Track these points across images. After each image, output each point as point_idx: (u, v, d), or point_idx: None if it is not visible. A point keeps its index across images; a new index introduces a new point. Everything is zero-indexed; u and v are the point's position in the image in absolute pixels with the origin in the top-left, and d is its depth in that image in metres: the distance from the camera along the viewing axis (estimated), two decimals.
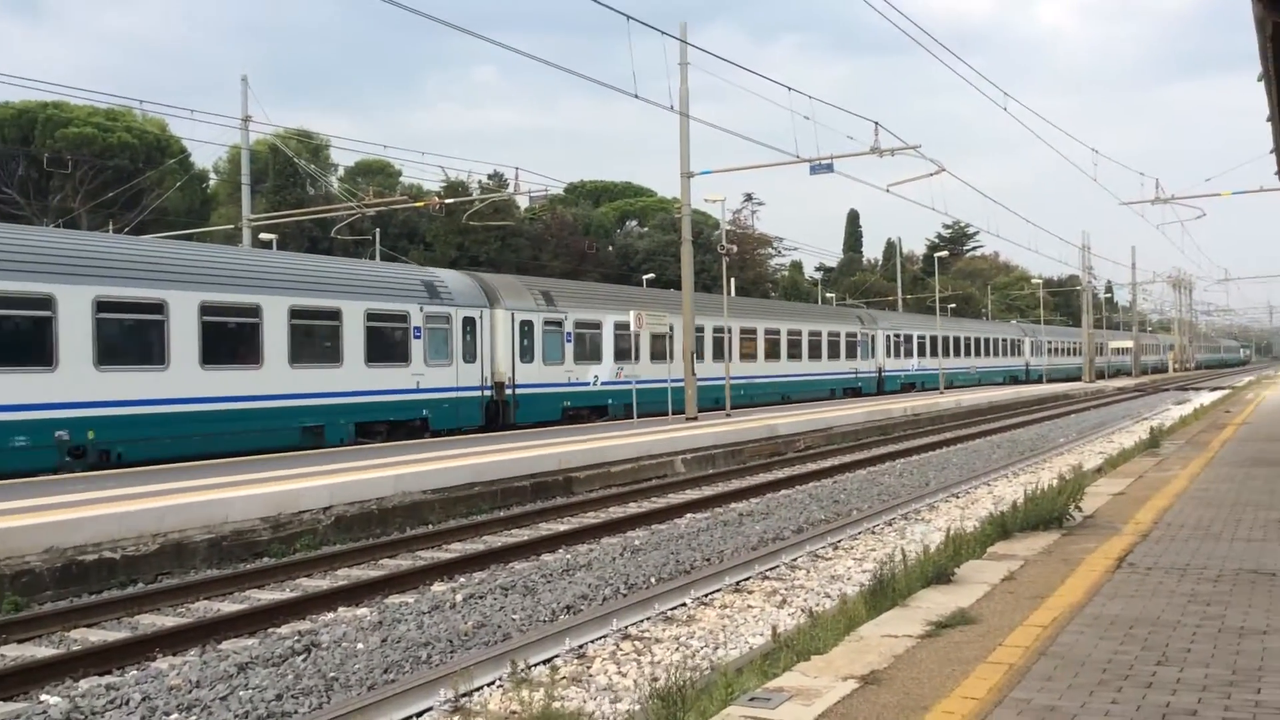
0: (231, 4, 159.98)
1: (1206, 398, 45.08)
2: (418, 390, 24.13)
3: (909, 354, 52.93)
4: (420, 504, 14.86)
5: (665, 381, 30.47)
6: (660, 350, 31.92)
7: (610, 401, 29.93)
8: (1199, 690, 4.79)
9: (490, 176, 59.16)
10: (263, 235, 38.56)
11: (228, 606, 10.23)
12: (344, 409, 22.29)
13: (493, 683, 7.42)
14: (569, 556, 12.18)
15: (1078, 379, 71.27)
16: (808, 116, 29.02)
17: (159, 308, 18.87)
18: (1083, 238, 71.53)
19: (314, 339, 21.88)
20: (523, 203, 62.14)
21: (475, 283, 27.42)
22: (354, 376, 22.48)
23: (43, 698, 7.45)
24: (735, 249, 45.72)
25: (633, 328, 28.92)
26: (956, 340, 60.61)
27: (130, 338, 18.63)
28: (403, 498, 14.74)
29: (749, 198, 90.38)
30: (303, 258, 27.27)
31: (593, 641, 8.50)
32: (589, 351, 30.01)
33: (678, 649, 8.35)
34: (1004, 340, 70.15)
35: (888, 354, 50.73)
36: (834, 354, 45.38)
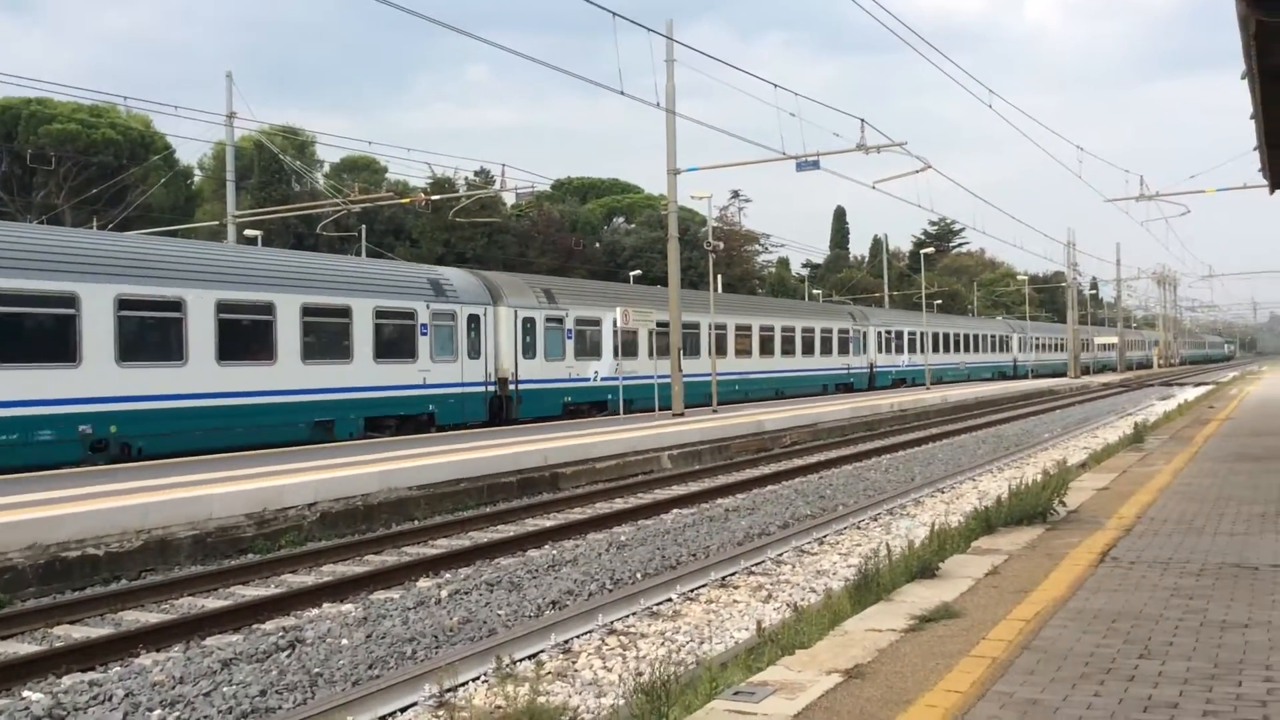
0: (222, 1, 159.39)
1: (1190, 393, 45.29)
2: (424, 386, 24.56)
3: (900, 350, 53.41)
4: (406, 500, 14.83)
5: (666, 377, 30.57)
6: (659, 346, 32.25)
7: (610, 397, 30.27)
8: (1180, 683, 4.81)
9: (477, 173, 59.05)
10: (247, 232, 38.39)
11: (212, 603, 10.19)
12: (353, 404, 22.73)
13: (478, 678, 7.41)
14: (555, 552, 12.17)
15: (1064, 375, 71.58)
16: (794, 114, 29.27)
17: (177, 305, 19.33)
18: (1068, 234, 71.82)
19: (325, 336, 22.33)
20: (509, 199, 62.13)
21: (479, 281, 27.84)
22: (363, 372, 22.94)
23: (25, 694, 7.42)
24: (722, 246, 45.76)
25: (619, 324, 29.01)
26: (947, 336, 61.15)
27: (150, 335, 19.07)
28: (388, 494, 14.71)
29: (736, 194, 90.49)
30: (314, 257, 27.69)
31: (578, 637, 8.50)
32: (589, 348, 30.39)
33: (663, 644, 8.36)
34: (993, 337, 70.61)
35: (879, 350, 51.26)
36: (827, 350, 45.95)
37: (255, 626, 9.21)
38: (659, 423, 25.43)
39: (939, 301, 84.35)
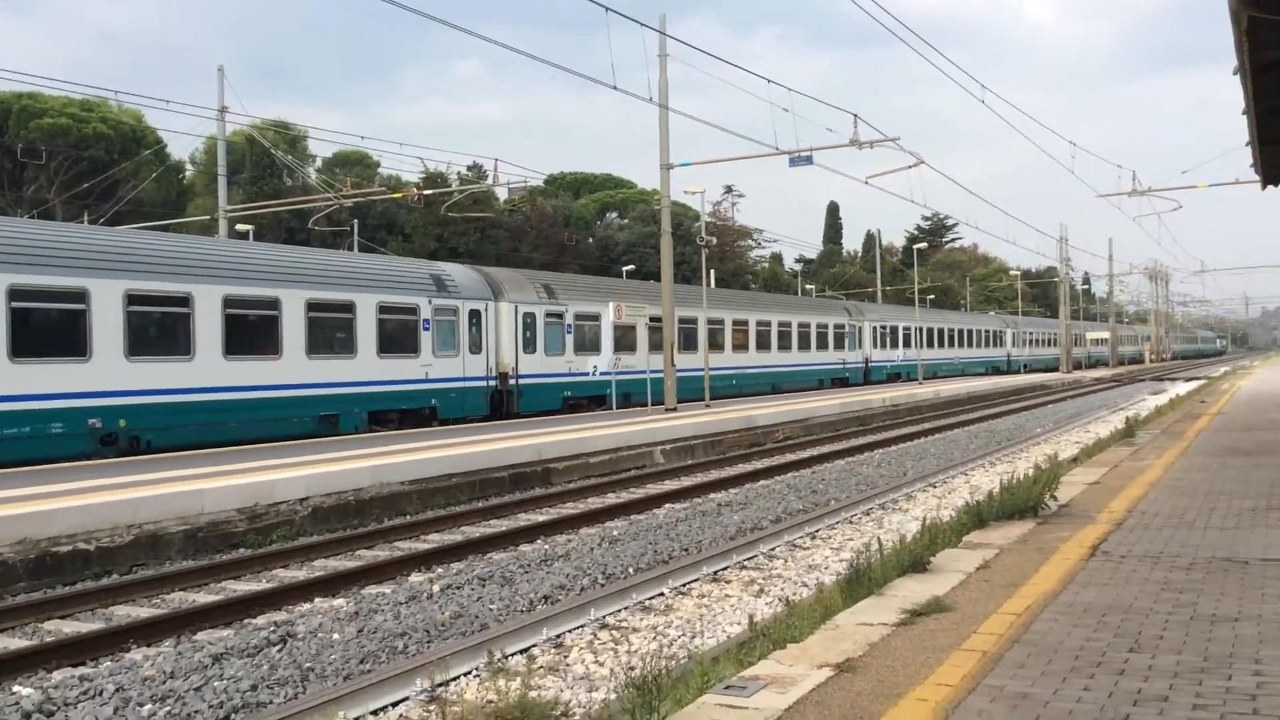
0: None
1: (1182, 388, 45.38)
2: (427, 380, 24.89)
3: (894, 345, 53.70)
4: (398, 495, 14.81)
5: (658, 372, 30.70)
6: (657, 341, 32.06)
7: (608, 391, 30.43)
8: (1170, 677, 4.82)
9: (469, 168, 59.04)
10: (239, 227, 38.30)
11: (203, 597, 10.18)
12: (358, 398, 23.05)
13: (469, 672, 7.41)
14: (547, 547, 12.18)
15: (1056, 369, 71.75)
16: (787, 109, 29.35)
17: (185, 300, 19.61)
18: (1060, 229, 71.93)
19: (329, 331, 22.64)
20: (502, 194, 61.99)
21: (480, 276, 28.14)
22: (367, 367, 23.28)
23: (15, 689, 7.40)
24: (715, 241, 45.70)
25: (611, 319, 29.04)
26: (941, 331, 61.43)
27: (158, 329, 19.36)
28: (380, 489, 14.70)
29: (729, 190, 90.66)
30: (318, 252, 28.05)
31: (570, 631, 8.50)
32: (588, 343, 30.63)
33: (655, 638, 8.37)
34: (987, 332, 70.83)
35: (874, 345, 51.58)
36: (822, 345, 46.28)
37: (246, 621, 9.19)
38: (651, 417, 25.43)
39: (931, 297, 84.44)
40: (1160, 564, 7.27)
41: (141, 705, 6.97)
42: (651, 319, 30.69)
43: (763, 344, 41.14)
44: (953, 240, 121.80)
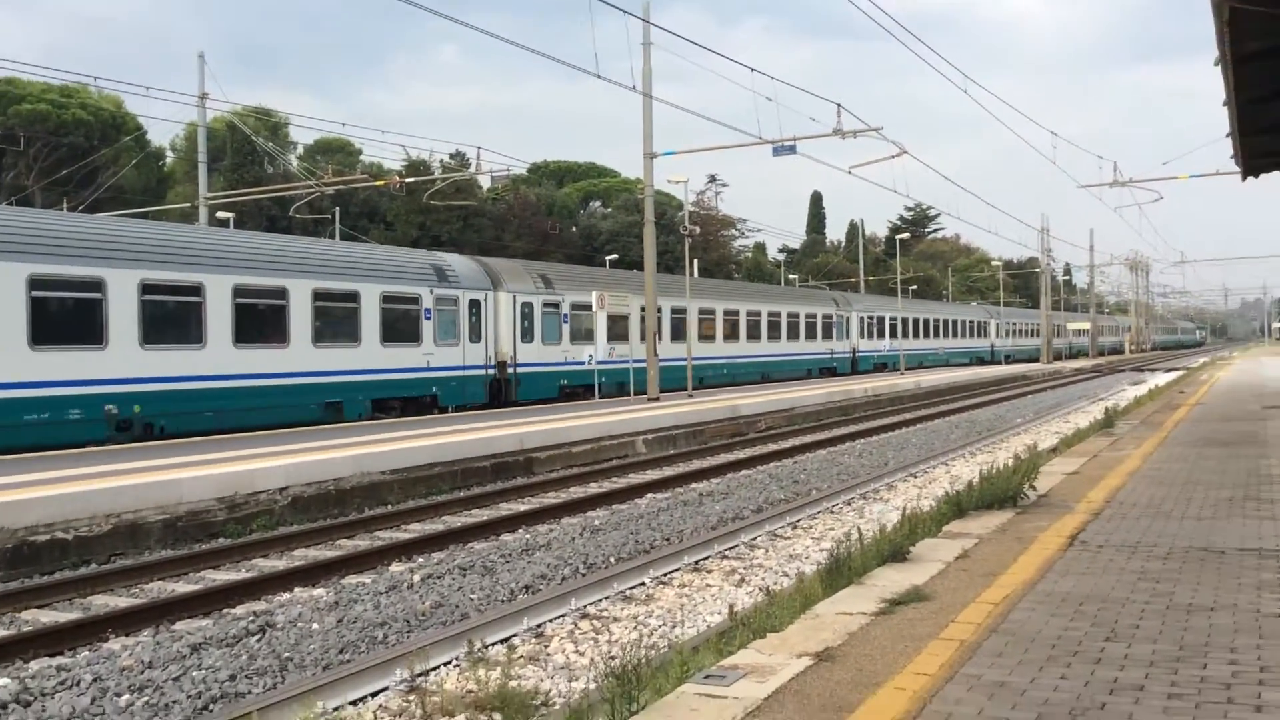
0: None
1: (1162, 379, 45.64)
2: (428, 369, 25.33)
3: (881, 335, 54.22)
4: (379, 484, 14.78)
5: (661, 361, 31.32)
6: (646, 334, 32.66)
7: (604, 380, 30.74)
8: (1146, 666, 4.85)
9: (452, 156, 58.85)
10: (220, 214, 38.07)
11: (182, 587, 10.13)
12: (361, 386, 23.51)
13: (449, 662, 7.40)
14: (528, 536, 12.16)
15: (1038, 360, 72.14)
16: (770, 98, 29.28)
17: (196, 290, 20.04)
18: (1042, 220, 72.40)
19: (335, 320, 23.07)
20: (485, 182, 61.84)
21: (480, 267, 28.63)
22: (371, 355, 23.71)
23: None
24: (698, 230, 45.76)
25: (594, 308, 29.09)
26: (927, 322, 62.05)
27: (171, 318, 19.74)
28: (361, 478, 14.66)
29: (713, 179, 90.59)
30: (325, 243, 28.77)
31: (551, 621, 8.50)
32: (584, 332, 31.00)
33: (636, 628, 8.37)
34: (972, 322, 71.30)
35: (862, 335, 52.14)
36: (811, 335, 46.82)
37: (225, 611, 9.16)
38: (634, 407, 25.44)
39: (914, 287, 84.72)
40: (1137, 554, 7.32)
41: (119, 695, 6.93)
42: (644, 310, 30.83)
43: (753, 334, 41.64)
44: (935, 231, 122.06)
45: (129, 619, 8.70)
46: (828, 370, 48.05)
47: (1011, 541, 7.93)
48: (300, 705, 6.18)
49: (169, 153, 65.92)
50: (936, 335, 63.43)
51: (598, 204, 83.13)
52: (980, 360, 69.99)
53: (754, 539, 11.92)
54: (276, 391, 21.33)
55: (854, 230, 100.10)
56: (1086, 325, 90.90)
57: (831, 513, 13.82)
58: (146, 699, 6.87)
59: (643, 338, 31.91)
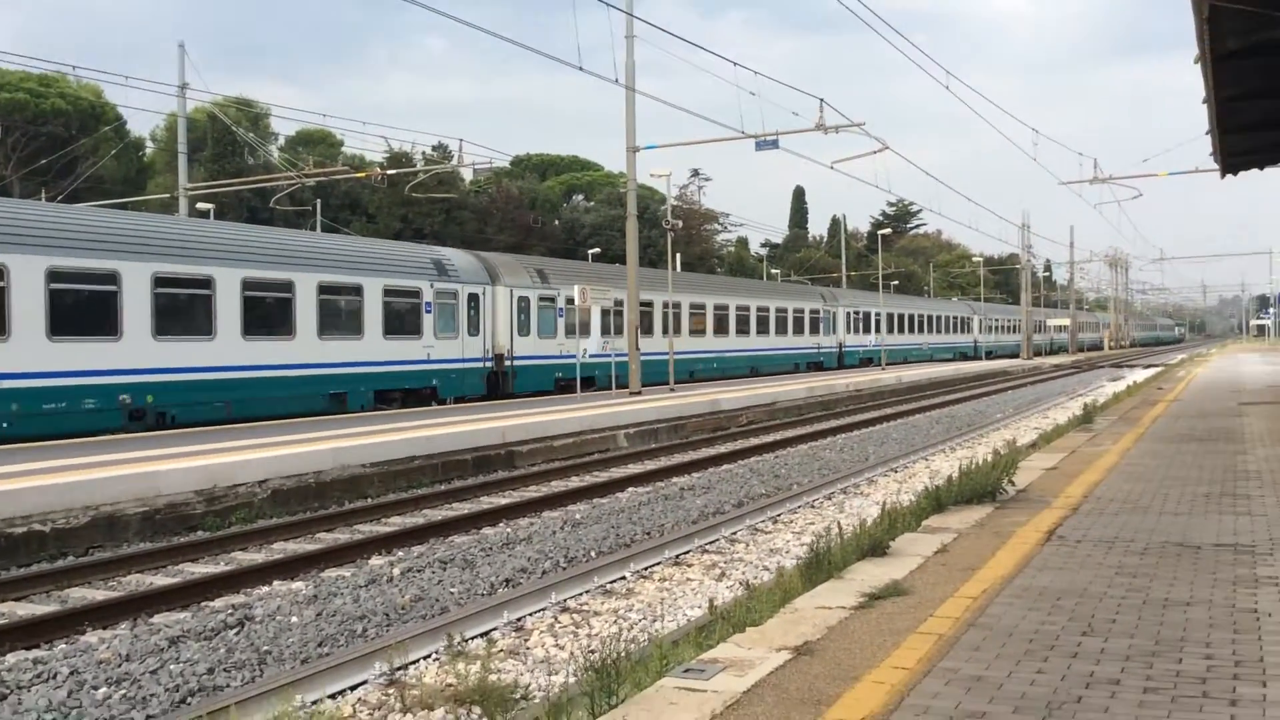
0: None
1: (1140, 375, 45.93)
2: (428, 361, 25.91)
3: (867, 330, 54.78)
4: (359, 478, 14.74)
5: (648, 355, 32.05)
6: (646, 325, 33.94)
7: (597, 373, 31.14)
8: (1122, 660, 4.88)
9: (434, 148, 58.64)
10: (200, 205, 37.84)
11: (160, 580, 10.09)
12: (364, 377, 24.09)
13: (429, 656, 7.39)
14: (509, 530, 12.16)
15: (1018, 356, 72.52)
16: (754, 92, 29.73)
17: (207, 283, 20.51)
18: (1023, 217, 72.62)
19: (339, 313, 23.58)
20: (467, 175, 61.65)
21: (478, 261, 29.25)
22: (373, 348, 24.26)
23: None
24: (681, 224, 45.77)
25: (578, 302, 29.08)
26: (912, 317, 62.58)
27: (183, 310, 20.20)
28: (341, 471, 14.61)
29: (695, 173, 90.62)
30: (330, 237, 29.47)
31: (531, 615, 8.50)
32: (579, 326, 31.16)
33: (616, 622, 8.37)
34: (955, 318, 71.72)
35: (848, 330, 52.77)
36: (799, 330, 47.48)
37: (204, 604, 9.12)
38: (616, 401, 25.44)
39: (895, 282, 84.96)
40: (1115, 549, 7.36)
41: (96, 688, 6.90)
42: (640, 303, 31.56)
43: (742, 329, 42.23)
44: (917, 226, 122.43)
45: (106, 612, 8.66)
46: (815, 365, 48.57)
47: (990, 536, 7.96)
48: (278, 699, 6.16)
49: (149, 143, 65.52)
50: (920, 331, 63.96)
51: (580, 198, 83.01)
52: (963, 356, 70.45)
53: (734, 533, 11.94)
54: (283, 382, 21.85)
55: (836, 225, 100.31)
56: (1067, 321, 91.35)
57: (812, 507, 13.86)
58: (124, 692, 6.84)
59: (641, 331, 32.43)
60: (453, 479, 16.11)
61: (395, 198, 58.15)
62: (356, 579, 9.79)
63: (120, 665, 7.32)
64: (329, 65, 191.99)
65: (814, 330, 48.97)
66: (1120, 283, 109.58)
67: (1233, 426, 16.72)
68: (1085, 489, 10.24)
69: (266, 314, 21.74)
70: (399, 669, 7.04)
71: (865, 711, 4.31)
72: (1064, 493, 10.03)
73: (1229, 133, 16.93)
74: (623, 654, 5.59)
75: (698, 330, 38.57)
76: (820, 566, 7.24)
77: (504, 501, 14.14)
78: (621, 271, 37.76)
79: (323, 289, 22.96)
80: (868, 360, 53.83)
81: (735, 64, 25.02)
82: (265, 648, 7.70)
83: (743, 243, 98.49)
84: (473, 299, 27.50)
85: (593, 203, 79.34)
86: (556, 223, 73.11)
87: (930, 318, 66.32)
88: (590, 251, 60.62)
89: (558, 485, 15.76)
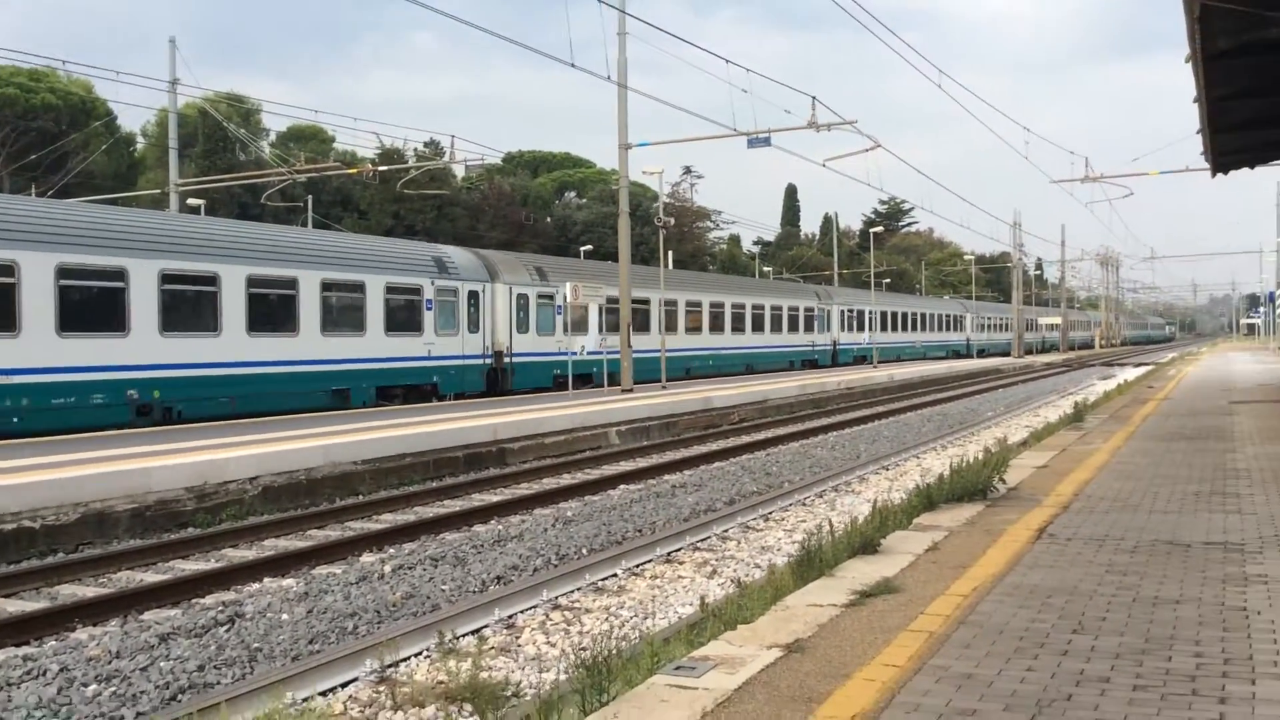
0: None
1: (1131, 373, 46.02)
2: (429, 358, 26.18)
3: (861, 328, 55.11)
4: (350, 475, 14.72)
5: (644, 352, 32.70)
6: (643, 324, 34.37)
7: (595, 370, 31.33)
8: (1112, 658, 4.89)
9: (426, 144, 58.50)
10: (191, 201, 37.74)
11: (150, 577, 10.06)
12: (367, 374, 24.36)
13: (420, 653, 7.38)
14: (500, 527, 12.15)
15: (1010, 354, 72.69)
16: (746, 90, 29.42)
17: (212, 280, 20.72)
18: (1014, 215, 72.59)
19: (342, 310, 23.86)
20: (459, 171, 61.56)
21: (478, 259, 29.55)
22: (375, 344, 24.54)
23: None
24: (673, 222, 45.83)
25: (569, 299, 29.13)
26: (905, 316, 62.83)
27: (189, 307, 20.45)
28: (332, 468, 14.59)
29: (688, 170, 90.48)
30: (333, 235, 29.91)
31: (522, 612, 8.50)
32: (578, 323, 31.69)
33: (607, 619, 8.38)
34: (949, 316, 72.00)
35: (842, 328, 53.14)
36: (794, 328, 47.89)
37: (194, 601, 9.10)
38: (608, 398, 25.44)
39: (887, 280, 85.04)
40: (1105, 547, 7.38)
41: (86, 685, 6.88)
42: (636, 301, 32.14)
43: (738, 326, 42.60)
44: (909, 225, 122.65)
45: (96, 608, 8.64)
46: (809, 362, 48.98)
47: (981, 534, 7.98)
48: (269, 696, 6.15)
49: (140, 138, 65.29)
50: (914, 329, 64.29)
51: (572, 195, 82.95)
52: (956, 354, 70.73)
53: (726, 531, 11.95)
54: (287, 378, 22.10)
55: (828, 223, 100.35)
56: (1058, 320, 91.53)
57: (803, 505, 13.88)
58: (114, 689, 6.82)
59: (635, 329, 32.58)
60: (444, 476, 16.09)
61: (387, 194, 58.08)
62: (348, 576, 9.78)
63: (110, 662, 7.30)
64: (320, 61, 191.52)
65: (808, 328, 49.33)
66: (1111, 281, 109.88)
67: (1223, 425, 16.77)
68: (1076, 487, 10.27)
69: (271, 311, 21.96)
70: (390, 666, 7.03)
71: (856, 709, 4.31)
72: (1055, 491, 10.05)
73: (1220, 132, 16.98)
74: (614, 651, 5.60)
75: (694, 328, 38.98)
76: (811, 564, 7.25)
77: (495, 499, 14.13)
78: (613, 269, 37.95)
79: (326, 286, 23.19)
80: (862, 358, 54.11)
81: (728, 61, 25.05)
82: (256, 645, 7.69)
83: (735, 240, 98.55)
84: (473, 296, 27.75)
85: (585, 200, 79.29)
86: (549, 220, 73.06)
87: (923, 316, 66.61)
88: (583, 249, 60.58)
89: (549, 482, 15.75)
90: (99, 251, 18.72)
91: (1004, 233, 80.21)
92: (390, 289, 24.95)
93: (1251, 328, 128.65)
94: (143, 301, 19.27)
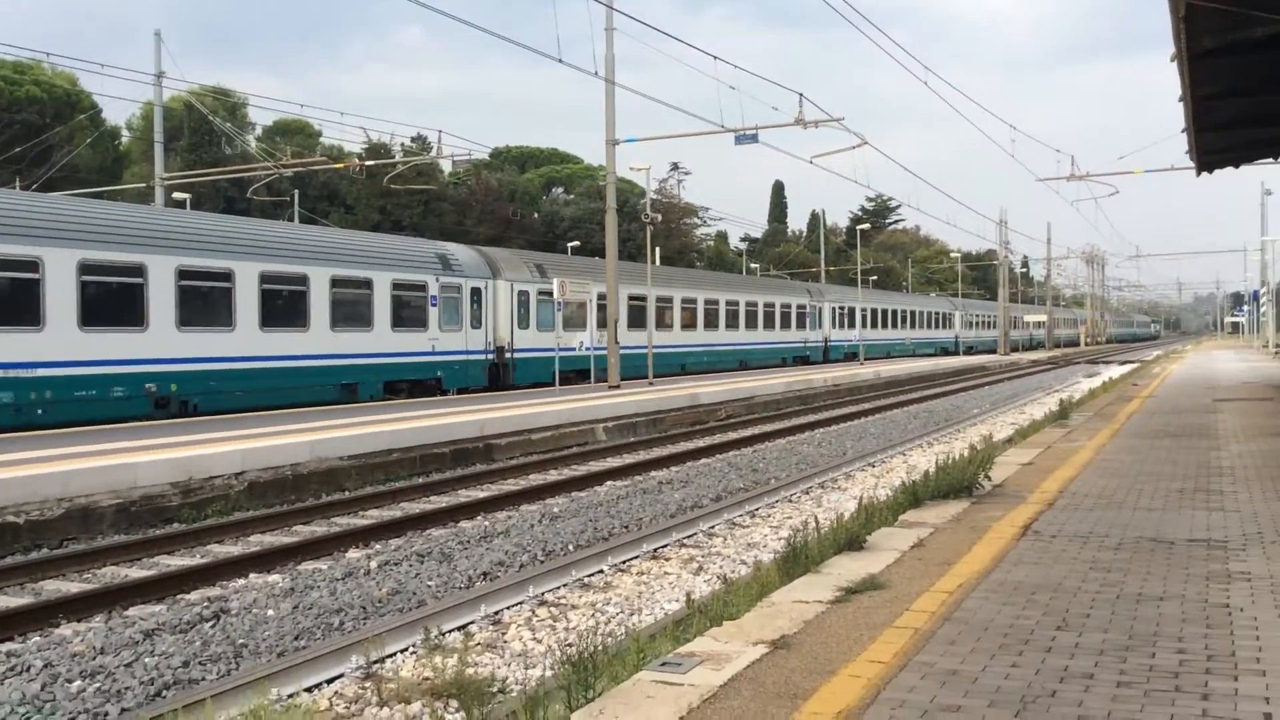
0: None
1: (1116, 371, 46.20)
2: (433, 353, 26.61)
3: (852, 325, 55.40)
4: (337, 470, 14.68)
5: (642, 349, 33.14)
6: (637, 319, 34.95)
7: (589, 366, 31.53)
8: (1096, 655, 4.91)
9: (413, 139, 58.39)
10: (176, 195, 37.58)
11: (135, 572, 10.02)
12: (374, 369, 24.79)
13: (406, 649, 7.38)
14: (487, 523, 12.14)
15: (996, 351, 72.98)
16: (734, 87, 29.71)
17: (227, 276, 21.17)
18: (1000, 213, 72.87)
19: (350, 306, 24.21)
20: (446, 167, 61.49)
21: (481, 257, 29.95)
22: (382, 340, 24.96)
23: None
24: (660, 218, 45.85)
25: (556, 296, 29.25)
26: (895, 313, 63.23)
27: (204, 302, 20.84)
28: (319, 464, 14.56)
29: (675, 167, 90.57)
30: (342, 232, 30.62)
31: (509, 608, 8.50)
32: (576, 320, 32.04)
33: (593, 615, 8.38)
34: (938, 314, 72.30)
35: (833, 325, 53.63)
36: (786, 325, 48.42)
37: (179, 597, 9.08)
38: (594, 395, 25.44)
39: (874, 278, 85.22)
40: (1089, 544, 7.41)
41: (70, 681, 6.85)
42: (632, 297, 33.32)
43: (731, 323, 43.08)
44: (895, 222, 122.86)
45: (81, 604, 8.60)
46: (801, 359, 49.50)
47: (966, 531, 8.01)
48: (254, 692, 6.14)
49: (125, 132, 64.98)
50: (904, 326, 64.66)
51: (560, 190, 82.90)
52: (945, 351, 71.07)
53: (712, 527, 11.97)
54: (298, 373, 22.56)
55: (815, 220, 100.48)
56: (1044, 318, 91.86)
57: (789, 502, 13.90)
58: (98, 685, 6.80)
59: (630, 325, 33.07)
60: (431, 472, 16.07)
61: (374, 189, 57.94)
62: (333, 572, 9.76)
63: (95, 658, 7.27)
64: (306, 55, 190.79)
65: (800, 325, 49.83)
66: (1097, 279, 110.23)
67: (1207, 423, 16.86)
68: (1061, 484, 10.31)
69: (283, 307, 22.35)
70: (376, 662, 7.03)
71: (841, 705, 4.33)
72: (1039, 488, 10.09)
73: (1205, 131, 17.05)
74: (600, 647, 5.61)
75: (689, 325, 39.53)
76: (797, 561, 7.26)
77: (482, 495, 14.12)
78: (622, 266, 38.11)
79: (335, 283, 23.58)
80: (852, 355, 54.49)
81: (715, 58, 25.07)
82: (241, 641, 7.67)
83: (722, 237, 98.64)
84: (475, 293, 28.17)
85: (572, 195, 79.25)
86: (536, 215, 73.01)
87: (914, 313, 66.98)
88: (570, 245, 60.55)
89: (536, 479, 15.74)
90: (119, 248, 19.16)
91: (990, 230, 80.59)
92: (397, 285, 25.34)
93: (1236, 326, 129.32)
94: (161, 297, 19.69)
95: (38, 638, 7.89)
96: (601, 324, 31.71)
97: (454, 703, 6.16)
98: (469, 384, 27.86)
